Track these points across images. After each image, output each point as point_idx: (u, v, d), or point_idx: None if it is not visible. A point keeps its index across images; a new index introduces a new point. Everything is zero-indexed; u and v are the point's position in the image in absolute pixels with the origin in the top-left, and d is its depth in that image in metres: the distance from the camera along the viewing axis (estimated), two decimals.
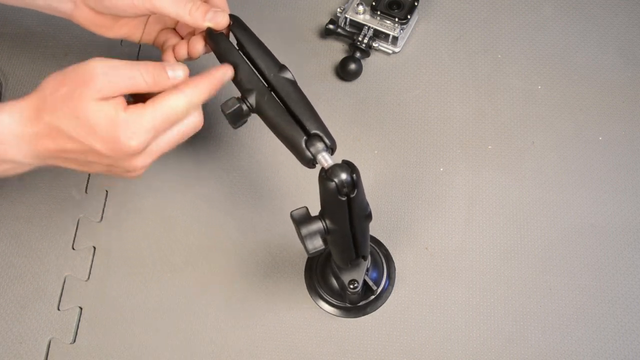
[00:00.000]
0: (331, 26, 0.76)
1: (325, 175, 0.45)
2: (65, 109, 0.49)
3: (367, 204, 0.50)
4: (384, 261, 0.66)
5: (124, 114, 0.50)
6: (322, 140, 0.50)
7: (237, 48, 0.57)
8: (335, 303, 0.65)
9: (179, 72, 0.53)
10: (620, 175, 0.69)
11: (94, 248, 0.69)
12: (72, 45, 0.80)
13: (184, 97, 0.52)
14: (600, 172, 0.70)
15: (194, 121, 0.54)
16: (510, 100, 0.74)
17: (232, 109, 0.54)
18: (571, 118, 0.73)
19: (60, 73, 0.51)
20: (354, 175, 0.45)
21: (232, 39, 0.58)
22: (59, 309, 0.67)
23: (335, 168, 0.45)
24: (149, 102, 0.51)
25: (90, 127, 0.49)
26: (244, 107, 0.54)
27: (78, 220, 0.71)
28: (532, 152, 0.71)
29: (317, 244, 0.48)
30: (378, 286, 0.64)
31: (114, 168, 0.53)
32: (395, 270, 0.66)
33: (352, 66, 0.74)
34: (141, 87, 0.51)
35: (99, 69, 0.49)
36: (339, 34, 0.76)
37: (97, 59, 0.50)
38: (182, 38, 0.63)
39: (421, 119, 0.74)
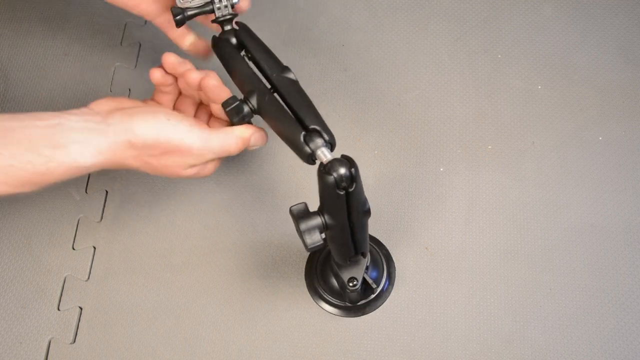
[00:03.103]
0: (178, 17, 0.59)
1: (324, 169, 0.46)
2: (156, 167, 0.57)
3: (366, 200, 0.50)
4: (384, 261, 0.66)
5: (198, 169, 0.59)
6: (320, 135, 0.51)
7: (243, 52, 0.59)
8: (336, 302, 0.65)
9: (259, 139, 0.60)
10: (620, 175, 0.69)
11: (94, 248, 0.69)
12: (72, 45, 0.80)
13: (239, 144, 0.59)
14: (600, 172, 0.70)
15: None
16: (510, 100, 0.74)
17: (232, 106, 0.55)
18: (571, 118, 0.73)
19: (155, 134, 0.55)
20: (353, 169, 0.45)
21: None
22: (59, 309, 0.67)
23: (334, 162, 0.45)
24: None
25: (170, 174, 0.58)
26: (246, 108, 0.55)
27: (78, 220, 0.71)
28: (532, 152, 0.71)
29: (315, 238, 0.48)
30: (378, 285, 0.64)
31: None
32: (395, 270, 0.66)
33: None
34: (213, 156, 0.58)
35: (194, 147, 0.56)
36: (193, 15, 0.60)
37: (191, 132, 0.56)
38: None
39: (421, 119, 0.74)
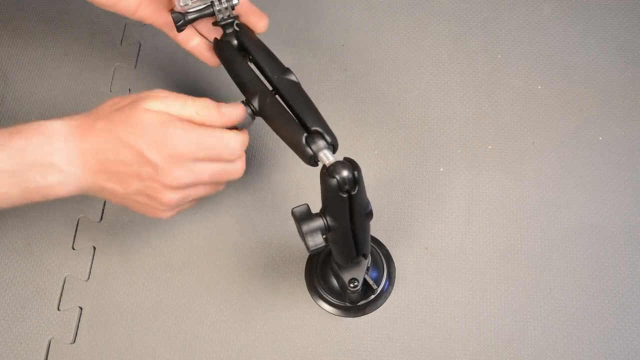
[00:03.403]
0: (179, 22, 0.59)
1: (327, 172, 0.46)
2: (120, 117, 0.52)
3: (368, 202, 0.50)
4: (384, 261, 0.66)
5: (176, 121, 0.52)
6: (322, 137, 0.51)
7: (244, 54, 0.59)
8: (336, 303, 0.65)
9: (235, 111, 0.55)
10: (620, 175, 0.69)
11: (94, 248, 0.69)
12: (72, 45, 0.80)
13: (238, 137, 0.55)
14: (600, 172, 0.70)
15: (237, 167, 0.57)
16: (510, 100, 0.74)
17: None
18: (571, 118, 0.73)
19: (120, 96, 0.55)
20: (356, 172, 0.45)
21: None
22: (59, 309, 0.67)
23: (336, 165, 0.45)
24: (204, 126, 0.54)
25: (140, 128, 0.52)
26: (248, 111, 0.55)
27: (78, 220, 0.71)
28: (532, 152, 0.71)
29: (317, 240, 0.48)
30: (378, 286, 0.64)
31: (151, 186, 0.53)
32: (395, 270, 0.66)
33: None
34: (193, 116, 0.54)
35: (156, 92, 0.53)
36: (193, 19, 0.59)
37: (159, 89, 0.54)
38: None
39: (421, 119, 0.74)
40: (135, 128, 0.52)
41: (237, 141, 0.55)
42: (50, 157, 0.51)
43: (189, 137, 0.52)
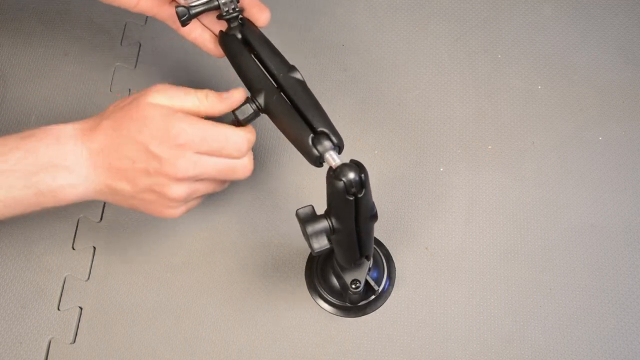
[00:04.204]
0: (184, 17, 0.58)
1: (334, 174, 0.45)
2: (123, 114, 0.53)
3: (374, 204, 0.49)
4: (384, 261, 0.66)
5: (179, 114, 0.53)
6: (329, 138, 0.50)
7: (248, 48, 0.59)
8: (336, 303, 0.65)
9: (235, 94, 0.56)
10: (620, 175, 0.69)
11: (94, 248, 0.69)
12: (72, 45, 0.80)
13: (242, 133, 0.55)
14: (600, 172, 0.70)
15: (244, 164, 0.57)
16: (510, 100, 0.74)
17: (239, 105, 0.56)
18: (571, 118, 0.73)
19: (124, 97, 0.56)
20: (363, 175, 0.45)
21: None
22: (59, 309, 0.67)
23: (344, 167, 0.45)
24: (209, 121, 0.55)
25: (144, 123, 0.52)
26: (254, 107, 0.55)
27: (78, 220, 0.71)
28: (532, 152, 0.71)
29: (322, 242, 0.48)
30: (379, 286, 0.64)
31: (158, 182, 0.54)
32: (395, 270, 0.66)
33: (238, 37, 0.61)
34: (196, 105, 0.54)
35: (157, 86, 0.54)
36: (198, 13, 0.59)
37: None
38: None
39: (421, 119, 0.74)
40: (139, 123, 0.52)
41: (240, 137, 0.55)
42: (61, 158, 0.52)
43: (192, 130, 0.53)
